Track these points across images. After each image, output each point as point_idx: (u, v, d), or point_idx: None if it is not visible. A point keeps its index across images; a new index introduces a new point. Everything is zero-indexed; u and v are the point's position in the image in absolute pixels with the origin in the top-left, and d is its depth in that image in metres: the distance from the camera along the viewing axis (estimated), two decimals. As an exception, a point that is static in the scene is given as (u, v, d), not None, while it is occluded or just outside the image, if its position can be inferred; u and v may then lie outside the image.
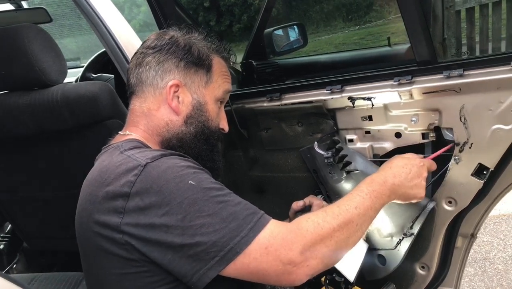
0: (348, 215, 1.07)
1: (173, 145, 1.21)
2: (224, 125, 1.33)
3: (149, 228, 0.97)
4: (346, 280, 1.39)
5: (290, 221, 1.44)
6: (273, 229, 0.99)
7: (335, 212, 1.07)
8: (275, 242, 0.97)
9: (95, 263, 1.10)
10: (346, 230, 1.06)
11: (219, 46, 1.31)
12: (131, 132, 1.21)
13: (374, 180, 1.20)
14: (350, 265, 1.39)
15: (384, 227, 1.49)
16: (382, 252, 1.49)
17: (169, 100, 1.20)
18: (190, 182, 0.99)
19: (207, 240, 0.95)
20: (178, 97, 1.21)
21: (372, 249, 1.51)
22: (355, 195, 1.14)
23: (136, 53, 1.27)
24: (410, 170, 1.23)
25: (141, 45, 1.28)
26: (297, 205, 1.46)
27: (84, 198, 1.11)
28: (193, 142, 1.22)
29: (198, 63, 1.23)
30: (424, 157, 1.33)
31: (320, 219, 1.04)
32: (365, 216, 1.11)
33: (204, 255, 0.95)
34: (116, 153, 1.10)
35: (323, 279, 1.45)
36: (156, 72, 1.21)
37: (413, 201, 1.27)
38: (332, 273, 1.41)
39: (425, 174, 1.26)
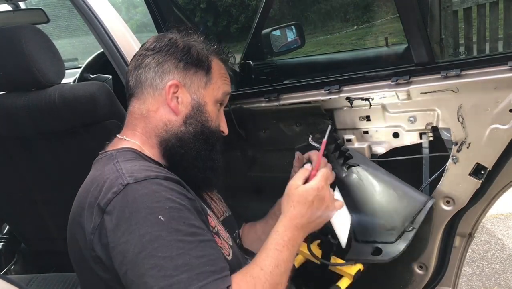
0: (273, 278, 1.04)
1: (172, 144, 1.20)
2: (224, 128, 1.32)
3: (113, 251, 0.97)
4: (338, 245, 1.39)
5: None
6: None
7: (261, 278, 1.03)
8: None
9: (84, 276, 1.11)
10: None
11: (218, 48, 1.31)
12: (128, 137, 1.21)
13: (287, 226, 1.16)
14: (341, 230, 1.38)
15: (385, 222, 1.48)
16: (379, 245, 1.47)
17: (168, 101, 1.20)
18: (160, 216, 0.96)
19: (154, 284, 0.91)
20: (177, 97, 1.21)
21: (370, 241, 1.50)
22: (272, 250, 1.10)
23: (135, 55, 1.27)
24: (312, 202, 1.19)
25: (140, 47, 1.28)
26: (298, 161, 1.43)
27: (75, 205, 1.12)
28: (192, 142, 1.21)
29: (198, 64, 1.23)
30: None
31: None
32: (287, 270, 1.09)
33: None
34: (109, 164, 1.10)
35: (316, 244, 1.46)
36: (155, 73, 1.21)
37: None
38: (326, 234, 1.40)
39: (327, 193, 1.22)
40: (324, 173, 1.24)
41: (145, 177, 1.02)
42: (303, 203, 1.19)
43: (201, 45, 1.27)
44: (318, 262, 1.44)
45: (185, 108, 1.21)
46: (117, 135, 1.24)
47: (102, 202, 0.99)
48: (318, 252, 1.47)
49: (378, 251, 1.47)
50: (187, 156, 1.21)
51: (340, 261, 1.41)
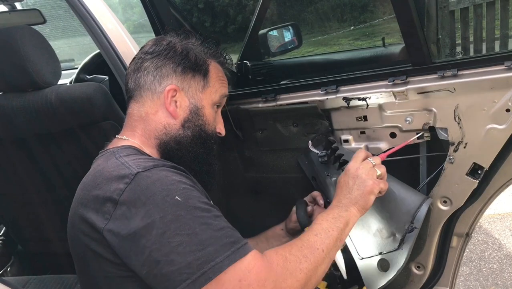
0: (309, 243, 1.11)
1: (171, 147, 1.22)
2: (221, 129, 1.35)
3: (129, 238, 0.98)
4: (341, 275, 1.41)
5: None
6: (250, 261, 0.98)
7: (297, 244, 1.10)
8: (249, 276, 0.97)
9: (86, 265, 1.10)
10: (312, 258, 1.08)
11: (215, 51, 1.33)
12: (128, 137, 1.23)
13: (331, 206, 1.25)
14: (339, 259, 1.42)
15: (385, 227, 1.48)
16: (384, 256, 1.46)
17: (166, 105, 1.22)
18: (176, 197, 0.99)
19: (181, 260, 0.94)
20: (175, 101, 1.23)
21: (374, 256, 1.48)
22: (312, 225, 1.19)
23: (134, 58, 1.29)
24: (354, 181, 1.27)
25: (140, 50, 1.30)
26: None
27: (76, 200, 1.12)
28: (190, 146, 1.24)
29: (195, 68, 1.25)
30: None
31: (286, 252, 1.06)
32: (328, 238, 1.14)
33: (176, 276, 0.94)
34: (112, 159, 1.11)
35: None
36: (154, 77, 1.23)
37: (377, 192, 1.29)
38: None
39: (372, 171, 1.29)
40: (356, 154, 1.33)
41: (153, 166, 1.05)
42: (347, 182, 1.29)
43: (199, 48, 1.29)
44: None
45: (183, 112, 1.24)
46: (116, 135, 1.26)
47: (114, 193, 1.01)
48: (323, 284, 1.50)
49: (385, 264, 1.47)
50: (185, 158, 1.23)
51: None
